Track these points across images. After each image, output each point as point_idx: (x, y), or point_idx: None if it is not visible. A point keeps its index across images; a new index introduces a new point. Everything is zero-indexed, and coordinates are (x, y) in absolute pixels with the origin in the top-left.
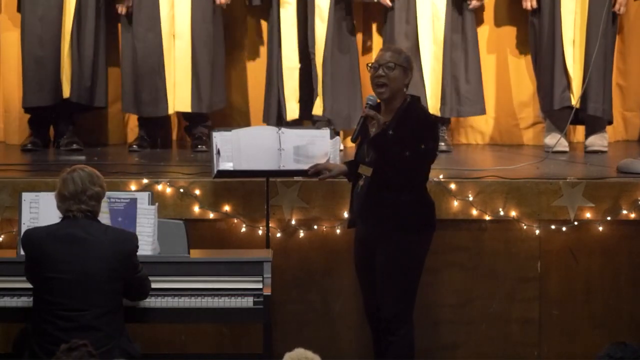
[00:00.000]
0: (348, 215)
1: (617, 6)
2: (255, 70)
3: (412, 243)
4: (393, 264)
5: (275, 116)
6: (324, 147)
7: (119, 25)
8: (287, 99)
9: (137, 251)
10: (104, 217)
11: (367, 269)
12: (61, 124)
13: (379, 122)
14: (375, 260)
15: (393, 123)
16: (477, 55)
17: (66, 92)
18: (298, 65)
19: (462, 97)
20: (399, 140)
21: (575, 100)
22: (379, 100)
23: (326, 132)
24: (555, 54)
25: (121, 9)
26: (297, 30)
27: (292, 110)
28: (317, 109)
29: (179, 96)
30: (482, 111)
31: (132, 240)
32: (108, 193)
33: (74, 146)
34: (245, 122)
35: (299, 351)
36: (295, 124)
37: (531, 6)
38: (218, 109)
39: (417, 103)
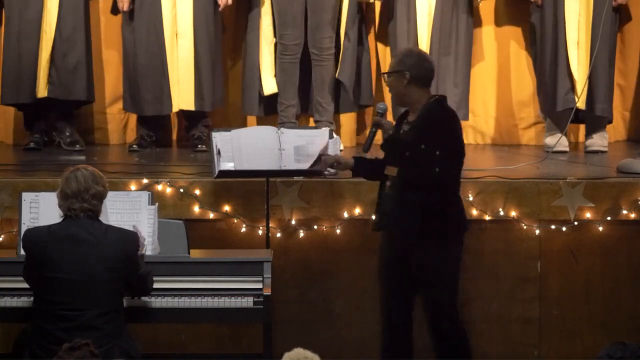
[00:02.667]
0: (375, 217)
1: None
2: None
3: (443, 246)
4: (431, 267)
5: (255, 93)
6: (324, 146)
7: (105, 19)
8: (264, 73)
9: (138, 250)
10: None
11: (396, 272)
12: (63, 123)
13: (384, 128)
14: (407, 264)
15: (415, 124)
16: (468, 61)
17: (43, 92)
18: (274, 40)
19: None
20: (415, 141)
21: (579, 102)
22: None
23: (325, 131)
24: (559, 55)
25: (121, 5)
26: (271, 8)
27: (270, 85)
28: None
29: (183, 95)
30: (465, 117)
31: (133, 240)
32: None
33: (77, 147)
34: (242, 120)
35: (298, 351)
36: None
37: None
38: (218, 107)
39: (439, 103)
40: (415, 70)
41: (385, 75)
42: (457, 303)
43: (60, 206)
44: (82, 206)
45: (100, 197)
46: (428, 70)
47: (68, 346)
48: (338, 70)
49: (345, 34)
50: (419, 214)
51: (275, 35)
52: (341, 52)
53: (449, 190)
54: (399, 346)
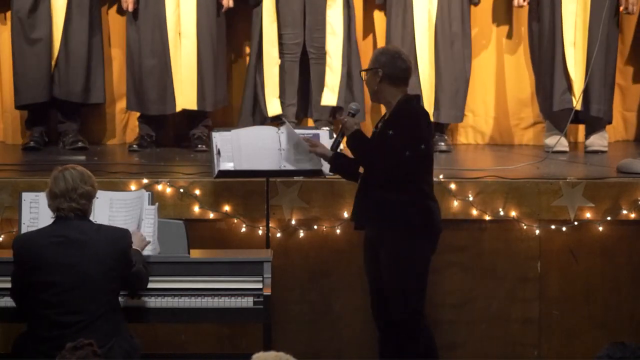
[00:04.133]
0: (354, 216)
1: (626, 6)
2: None
3: (406, 244)
4: (391, 266)
5: (252, 112)
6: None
7: (108, 18)
8: (268, 95)
9: (131, 246)
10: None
11: (372, 269)
12: (66, 122)
13: (346, 127)
14: (379, 261)
15: (385, 122)
16: (467, 64)
17: (56, 91)
18: (278, 62)
19: (441, 102)
20: (375, 140)
21: (576, 102)
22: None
23: (325, 131)
24: (556, 56)
25: (126, 5)
26: (278, 27)
27: (274, 107)
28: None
29: (185, 94)
30: (459, 119)
31: (125, 237)
32: (109, 193)
33: (79, 144)
34: None
35: (272, 353)
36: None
37: (518, 4)
38: (220, 107)
39: (408, 102)
40: (387, 68)
41: (363, 72)
42: (423, 304)
43: (49, 206)
44: (71, 205)
45: (89, 197)
46: (401, 69)
47: (71, 346)
48: (337, 100)
49: (342, 63)
50: (383, 212)
51: (280, 57)
52: (339, 81)
53: (415, 189)
54: (390, 345)
